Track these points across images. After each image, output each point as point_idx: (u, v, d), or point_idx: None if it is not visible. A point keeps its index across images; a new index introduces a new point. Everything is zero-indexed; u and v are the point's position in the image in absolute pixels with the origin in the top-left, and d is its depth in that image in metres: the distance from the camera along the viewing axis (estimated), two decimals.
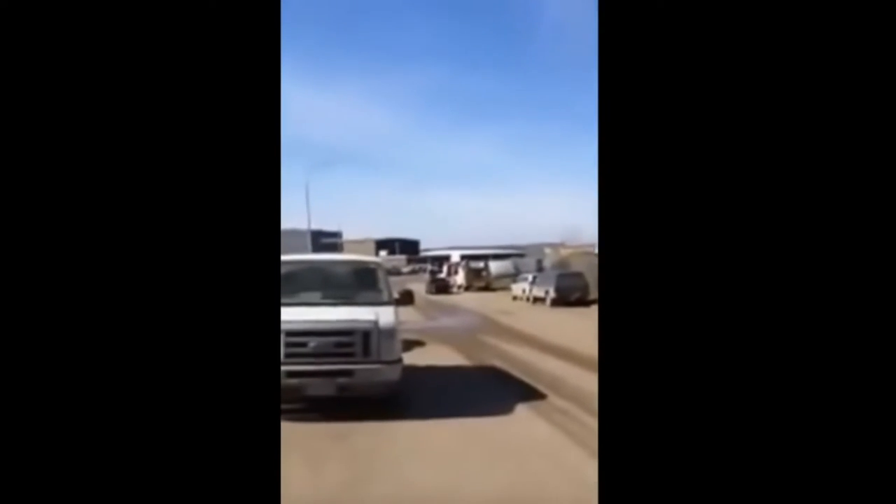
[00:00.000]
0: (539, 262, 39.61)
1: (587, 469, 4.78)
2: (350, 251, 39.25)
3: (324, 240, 57.75)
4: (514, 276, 33.39)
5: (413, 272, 58.84)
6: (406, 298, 8.20)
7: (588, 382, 8.30)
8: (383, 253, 59.13)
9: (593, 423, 6.14)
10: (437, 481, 4.51)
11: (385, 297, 7.26)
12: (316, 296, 7.03)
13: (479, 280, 37.05)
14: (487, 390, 8.07)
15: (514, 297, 27.99)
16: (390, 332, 6.46)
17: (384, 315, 6.52)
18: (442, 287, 37.08)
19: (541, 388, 8.02)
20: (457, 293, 35.81)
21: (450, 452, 5.27)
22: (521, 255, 50.20)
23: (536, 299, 25.30)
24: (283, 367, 5.81)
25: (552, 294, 23.95)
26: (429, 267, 53.50)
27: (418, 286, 30.49)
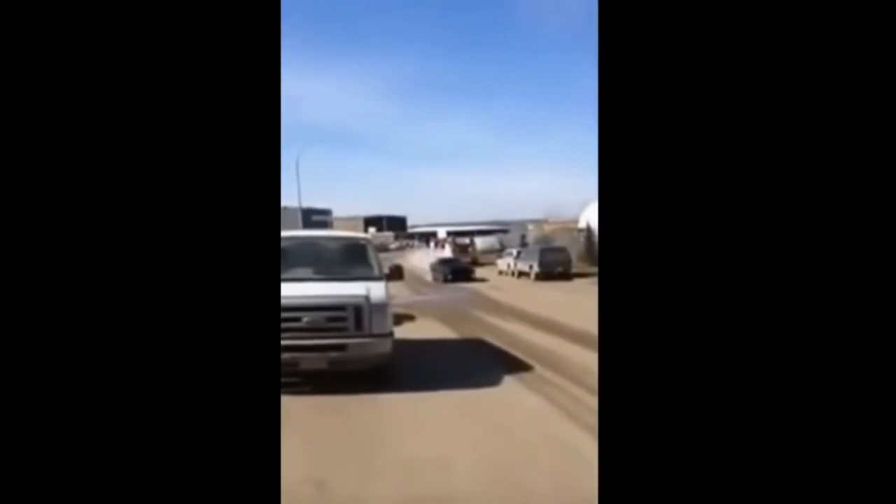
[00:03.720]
0: (523, 237, 39.86)
1: (576, 440, 4.95)
2: (339, 228, 38.80)
3: (314, 217, 57.44)
4: (500, 251, 33.60)
5: (400, 248, 58.88)
6: (396, 274, 8.28)
7: (573, 353, 8.49)
8: (372, 230, 58.97)
9: (580, 393, 6.32)
10: (432, 453, 4.65)
11: (376, 272, 7.34)
12: (308, 271, 7.09)
13: (466, 255, 37.12)
14: (476, 362, 8.23)
15: (500, 272, 28.25)
16: (381, 307, 6.56)
17: (375, 290, 6.62)
18: (462, 272, 25.91)
19: (527, 359, 8.19)
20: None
21: (441, 424, 5.42)
22: (505, 231, 50.38)
23: (521, 273, 25.54)
24: None
25: (536, 268, 24.20)
26: (433, 243, 46.60)
27: (410, 263, 27.66)
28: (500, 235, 46.60)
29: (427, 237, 57.35)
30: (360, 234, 9.41)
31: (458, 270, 26.28)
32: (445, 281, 24.98)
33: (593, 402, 6.00)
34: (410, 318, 12.30)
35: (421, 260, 32.96)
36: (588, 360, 8.11)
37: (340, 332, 6.31)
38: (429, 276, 26.87)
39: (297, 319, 6.16)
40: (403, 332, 9.75)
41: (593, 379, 6.92)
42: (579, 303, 15.59)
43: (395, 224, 65.05)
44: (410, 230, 68.21)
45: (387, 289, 6.95)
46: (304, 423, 5.29)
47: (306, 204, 42.23)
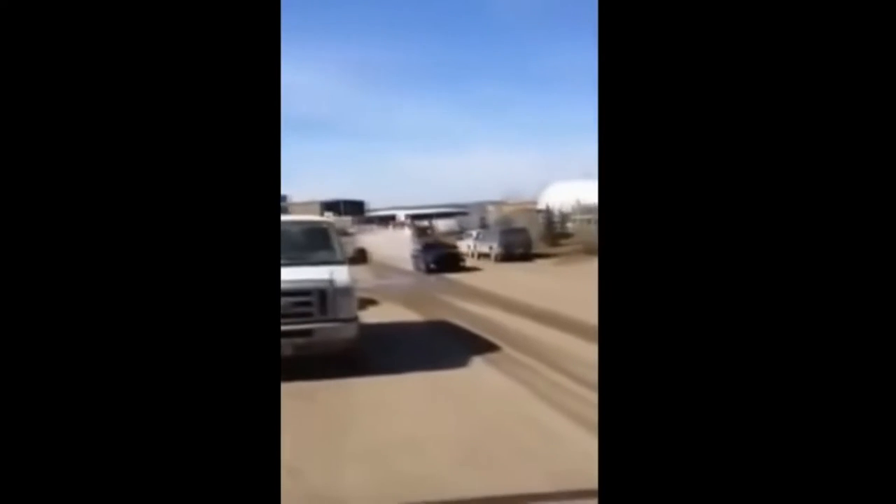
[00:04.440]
0: (483, 219, 40.10)
1: (546, 418, 5.00)
2: (296, 213, 38.23)
3: None
4: (460, 233, 33.68)
5: (360, 232, 58.50)
6: (360, 257, 8.19)
7: (540, 334, 8.59)
8: (329, 214, 58.38)
9: (549, 373, 6.39)
10: (404, 435, 4.62)
11: (339, 256, 7.23)
12: None
13: (426, 238, 37.04)
14: (443, 344, 8.24)
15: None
16: (346, 291, 6.48)
17: (339, 274, 6.52)
18: (449, 261, 21.25)
19: (494, 340, 8.24)
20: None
21: (412, 407, 5.40)
22: (464, 214, 50.54)
23: (482, 255, 25.67)
24: None
25: (497, 249, 24.36)
26: (391, 225, 39.49)
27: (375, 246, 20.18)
28: (460, 217, 46.74)
29: (386, 220, 57.03)
30: (322, 218, 9.26)
31: (442, 258, 21.28)
32: (429, 271, 20.27)
33: (561, 379, 6.08)
34: (373, 302, 12.22)
35: (389, 242, 28.33)
36: (553, 338, 8.22)
37: (305, 317, 6.20)
38: (408, 264, 22.50)
39: None
40: (368, 316, 9.69)
41: (559, 357, 7.01)
42: (541, 283, 15.78)
43: (353, 208, 64.46)
44: (368, 214, 67.71)
45: (351, 273, 6.85)
46: None
47: None
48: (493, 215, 39.74)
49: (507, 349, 7.62)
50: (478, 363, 6.96)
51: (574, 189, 33.92)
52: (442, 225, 40.42)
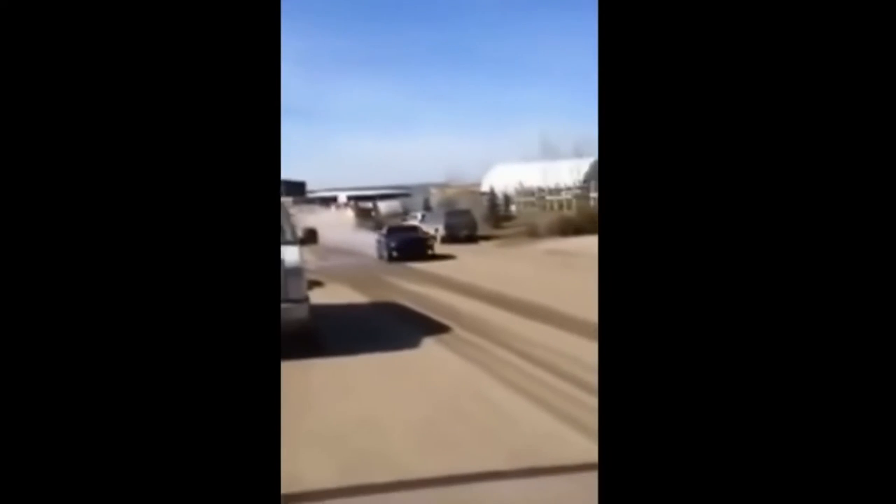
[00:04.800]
0: (426, 201, 40.06)
1: (498, 396, 5.10)
2: None
3: None
4: (403, 215, 33.58)
5: (301, 212, 57.52)
6: (310, 237, 8.06)
7: (489, 314, 8.71)
8: None
9: (502, 353, 6.50)
10: (359, 415, 4.62)
11: (289, 236, 7.08)
12: None
13: (369, 220, 36.68)
14: (392, 325, 8.24)
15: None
16: (296, 271, 6.38)
17: (289, 254, 6.40)
18: (415, 247, 18.28)
19: (443, 320, 8.30)
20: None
21: (366, 387, 5.40)
22: (407, 196, 50.37)
23: None
24: None
25: (442, 231, 24.40)
26: (333, 206, 36.25)
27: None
28: (403, 199, 46.55)
29: (327, 202, 56.21)
30: None
31: (408, 244, 18.08)
32: (391, 259, 17.55)
33: (511, 357, 6.20)
34: (319, 283, 12.07)
35: (331, 223, 26.76)
36: (500, 318, 8.36)
37: None
38: (372, 251, 19.83)
39: None
40: (315, 297, 9.56)
41: (508, 337, 7.14)
42: (485, 265, 15.96)
43: (294, 189, 63.11)
44: (309, 195, 66.52)
45: (301, 253, 6.74)
46: None
47: None
48: (435, 197, 39.73)
49: (456, 329, 7.70)
50: (429, 343, 7.00)
51: (516, 171, 34.32)
52: (384, 207, 40.14)
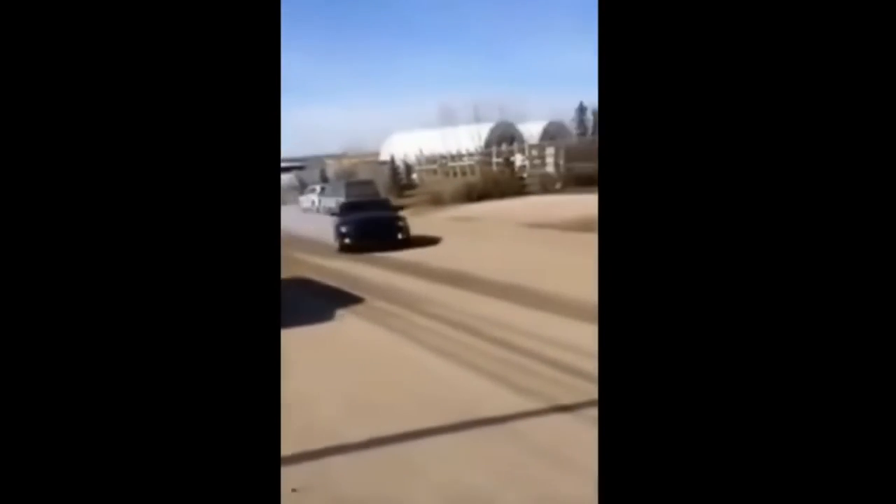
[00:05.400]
0: (322, 172, 39.03)
1: (424, 359, 5.32)
2: None
3: None
4: (301, 188, 32.59)
5: None
6: None
7: (400, 282, 8.88)
8: None
9: (419, 320, 6.70)
10: (290, 388, 4.68)
11: None
12: None
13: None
14: (306, 299, 8.21)
15: (305, 210, 27.54)
16: None
17: None
18: (382, 229, 13.05)
19: (355, 292, 8.37)
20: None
21: (295, 361, 5.43)
22: (301, 168, 48.71)
23: (328, 209, 25.21)
24: None
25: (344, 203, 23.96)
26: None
27: None
28: (298, 172, 45.08)
29: None
30: None
31: (371, 225, 13.20)
32: (342, 248, 12.79)
33: (427, 322, 6.44)
34: None
35: None
36: (412, 286, 8.55)
37: None
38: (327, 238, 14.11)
39: None
40: None
41: (422, 303, 7.37)
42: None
43: None
44: None
45: None
46: None
47: None
48: (332, 168, 38.88)
49: (370, 300, 7.82)
50: (346, 316, 7.09)
51: (416, 139, 34.18)
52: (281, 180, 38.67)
